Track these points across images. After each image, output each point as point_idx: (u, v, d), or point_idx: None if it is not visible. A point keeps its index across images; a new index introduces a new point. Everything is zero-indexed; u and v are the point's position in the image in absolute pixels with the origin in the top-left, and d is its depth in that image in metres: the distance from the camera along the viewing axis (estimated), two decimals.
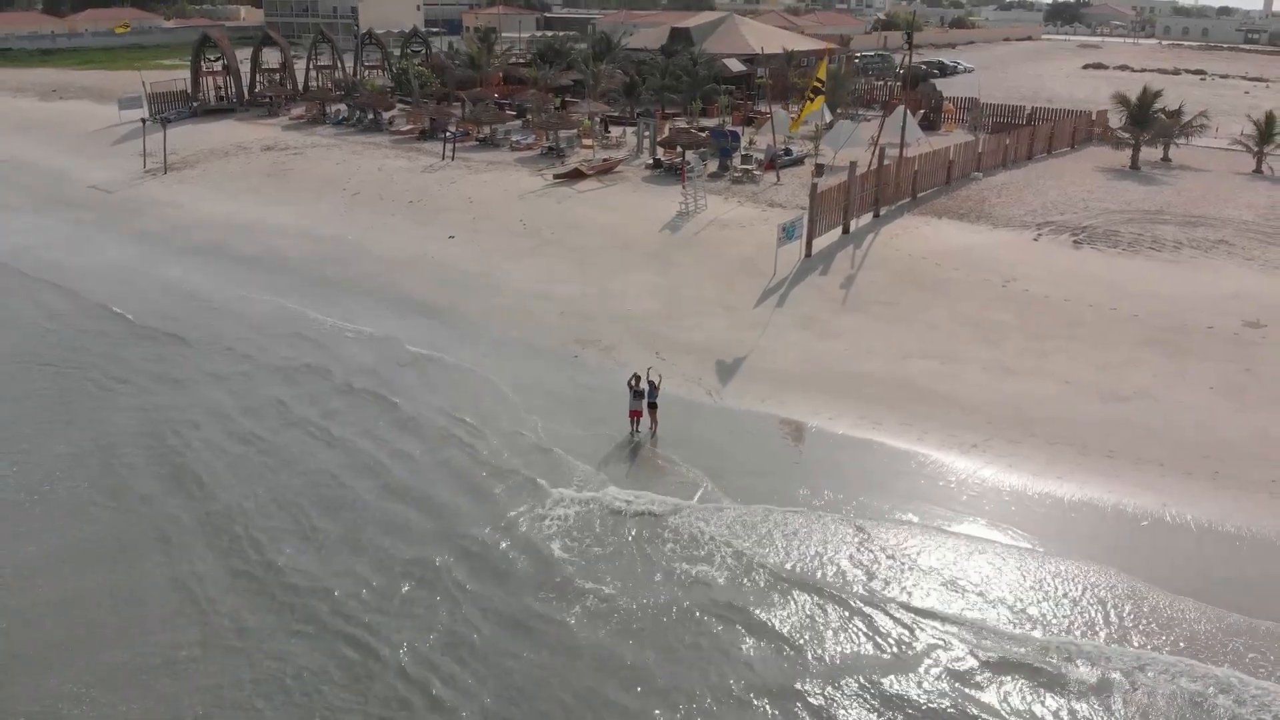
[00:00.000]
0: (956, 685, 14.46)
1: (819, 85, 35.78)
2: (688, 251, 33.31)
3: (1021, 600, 16.27)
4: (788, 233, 30.42)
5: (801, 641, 15.27)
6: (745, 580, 16.70)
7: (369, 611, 15.99)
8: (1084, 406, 22.29)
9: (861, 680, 14.51)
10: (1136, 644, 15.17)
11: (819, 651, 15.07)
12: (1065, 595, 16.36)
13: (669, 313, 28.27)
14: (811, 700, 14.18)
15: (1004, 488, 19.35)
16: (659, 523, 18.29)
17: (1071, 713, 13.95)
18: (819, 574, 16.81)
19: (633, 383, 21.07)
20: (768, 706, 14.09)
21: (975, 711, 13.98)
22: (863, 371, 24.35)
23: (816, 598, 16.23)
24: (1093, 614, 15.90)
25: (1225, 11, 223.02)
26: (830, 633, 15.44)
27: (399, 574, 16.95)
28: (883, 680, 14.52)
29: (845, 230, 34.09)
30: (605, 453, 20.85)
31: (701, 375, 24.35)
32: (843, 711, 13.97)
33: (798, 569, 16.96)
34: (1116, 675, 14.50)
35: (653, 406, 21.28)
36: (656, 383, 21.18)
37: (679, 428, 21.61)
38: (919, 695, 14.27)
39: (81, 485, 19.78)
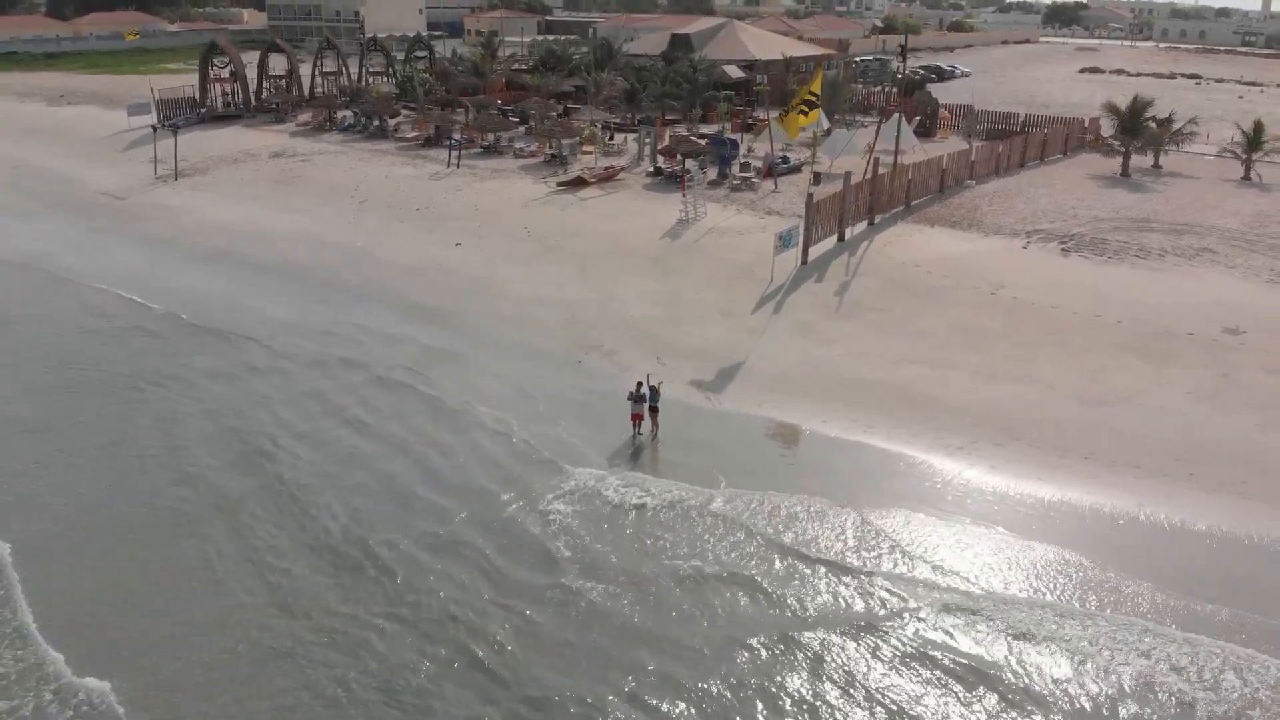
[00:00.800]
0: (936, 640, 15.98)
1: (814, 99, 36.59)
2: (688, 258, 34.31)
3: (995, 575, 17.62)
4: (784, 241, 31.39)
5: (790, 600, 16.42)
6: (740, 551, 17.97)
7: (412, 576, 17.67)
8: (1066, 411, 23.28)
9: (848, 636, 15.86)
10: (1104, 613, 16.43)
11: (811, 609, 16.31)
12: (1038, 574, 17.60)
13: (669, 318, 29.26)
14: (805, 646, 15.85)
15: (987, 488, 20.34)
16: (666, 508, 19.58)
17: (1034, 661, 15.51)
18: (806, 550, 17.98)
19: (634, 390, 22.08)
20: (765, 651, 15.82)
21: (945, 659, 15.58)
22: (856, 376, 25.33)
23: (805, 568, 17.43)
24: (1061, 587, 17.19)
25: (1223, 13, 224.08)
26: (824, 597, 16.52)
27: (440, 542, 18.62)
28: (867, 635, 16.06)
29: (841, 238, 35.09)
30: (611, 451, 21.90)
31: (701, 379, 25.32)
32: (834, 659, 15.24)
33: (785, 543, 18.40)
34: (1079, 631, 16.00)
35: (654, 410, 22.29)
36: (657, 388, 22.18)
37: (679, 430, 22.60)
38: (900, 647, 15.89)
39: (149, 469, 21.44)
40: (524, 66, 77.07)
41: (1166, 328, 27.47)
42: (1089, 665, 15.43)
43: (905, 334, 27.69)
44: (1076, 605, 16.82)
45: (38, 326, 29.68)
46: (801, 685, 15.09)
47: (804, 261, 32.87)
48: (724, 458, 21.51)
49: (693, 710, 14.65)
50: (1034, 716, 14.49)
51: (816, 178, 42.72)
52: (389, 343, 27.91)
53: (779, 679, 15.21)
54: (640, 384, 22.14)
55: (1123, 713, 14.54)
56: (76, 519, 19.52)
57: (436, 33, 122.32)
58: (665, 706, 14.69)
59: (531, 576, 17.64)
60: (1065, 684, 15.07)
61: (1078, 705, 14.68)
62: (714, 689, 15.02)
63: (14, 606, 16.68)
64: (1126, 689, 14.95)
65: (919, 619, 16.47)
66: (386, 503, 20.01)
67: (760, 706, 14.70)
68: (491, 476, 20.93)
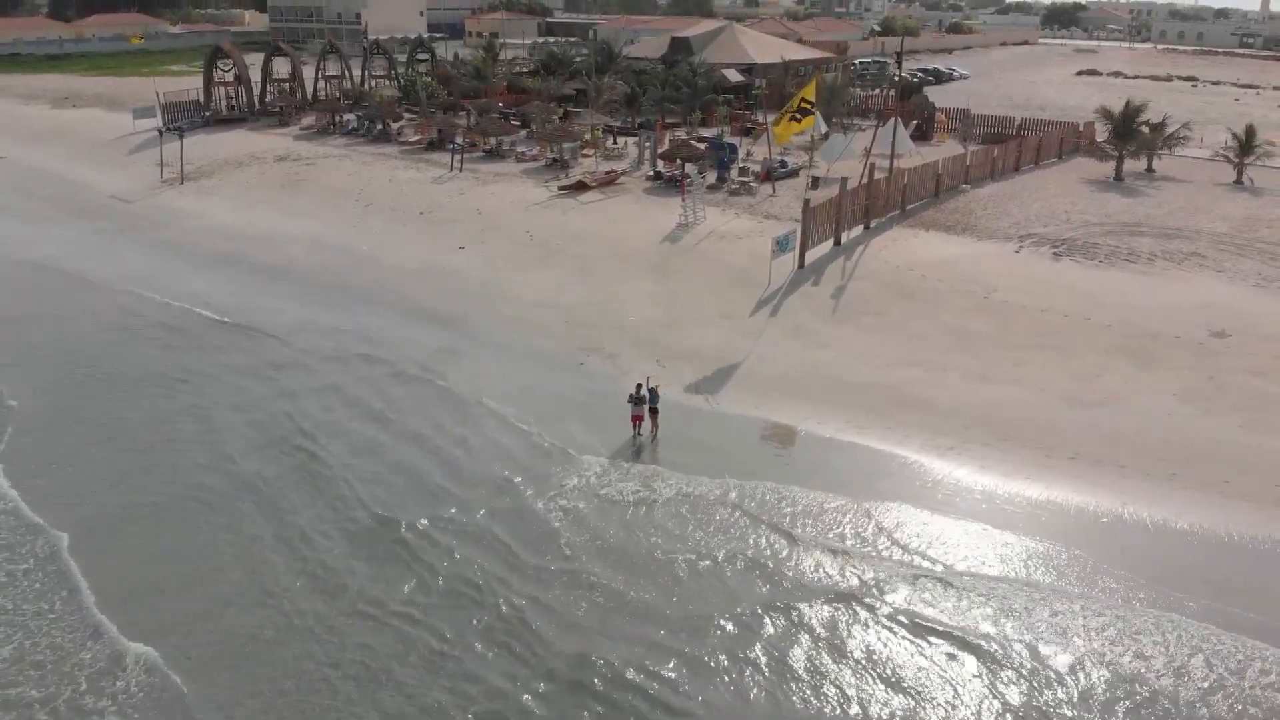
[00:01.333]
0: (921, 613, 17.19)
1: (808, 106, 37.04)
2: (687, 262, 34.96)
3: (977, 563, 18.69)
4: (781, 246, 32.03)
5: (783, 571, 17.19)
6: (741, 535, 18.72)
7: (439, 555, 18.93)
8: (1055, 412, 23.94)
9: (838, 608, 17.16)
10: (1078, 597, 17.31)
11: (803, 583, 17.22)
12: (1017, 563, 18.42)
13: (669, 321, 29.90)
14: (800, 614, 17.11)
15: (976, 486, 21.02)
16: (671, 498, 20.77)
17: (1006, 632, 16.75)
18: (799, 533, 18.81)
19: (634, 391, 22.75)
20: (765, 617, 17.13)
21: (928, 628, 16.82)
22: (850, 379, 25.98)
23: (798, 549, 18.50)
24: (1039, 576, 18.11)
25: (1221, 14, 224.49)
26: (816, 574, 17.25)
27: (463, 526, 19.91)
28: (854, 607, 17.24)
29: (837, 242, 35.73)
30: (613, 451, 22.62)
31: (699, 381, 25.97)
32: (827, 627, 16.43)
33: (782, 528, 19.44)
34: (1050, 610, 16.95)
35: (654, 411, 22.96)
36: (656, 390, 22.84)
37: (678, 431, 23.27)
38: (884, 616, 17.19)
39: (184, 458, 22.66)
40: (525, 70, 77.73)
41: (1155, 331, 28.12)
42: (1057, 638, 16.50)
43: (899, 337, 28.34)
44: (1052, 589, 17.76)
45: (66, 325, 30.80)
46: (799, 649, 16.44)
47: (801, 265, 33.51)
48: (723, 457, 22.18)
49: (705, 671, 15.89)
50: (1000, 674, 15.71)
51: (814, 182, 43.36)
52: (395, 345, 28.53)
53: (781, 643, 16.55)
54: (640, 386, 22.80)
55: (1083, 680, 15.59)
56: (121, 504, 20.76)
57: (438, 34, 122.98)
58: (679, 667, 15.99)
59: (547, 559, 18.79)
60: (1033, 653, 16.18)
61: (1042, 670, 15.82)
62: (721, 654, 16.28)
63: (72, 582, 18.08)
64: (1091, 662, 15.91)
65: (904, 595, 17.63)
66: (410, 488, 21.26)
67: (764, 664, 15.88)
68: (503, 468, 21.86)
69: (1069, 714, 14.97)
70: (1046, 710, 15.04)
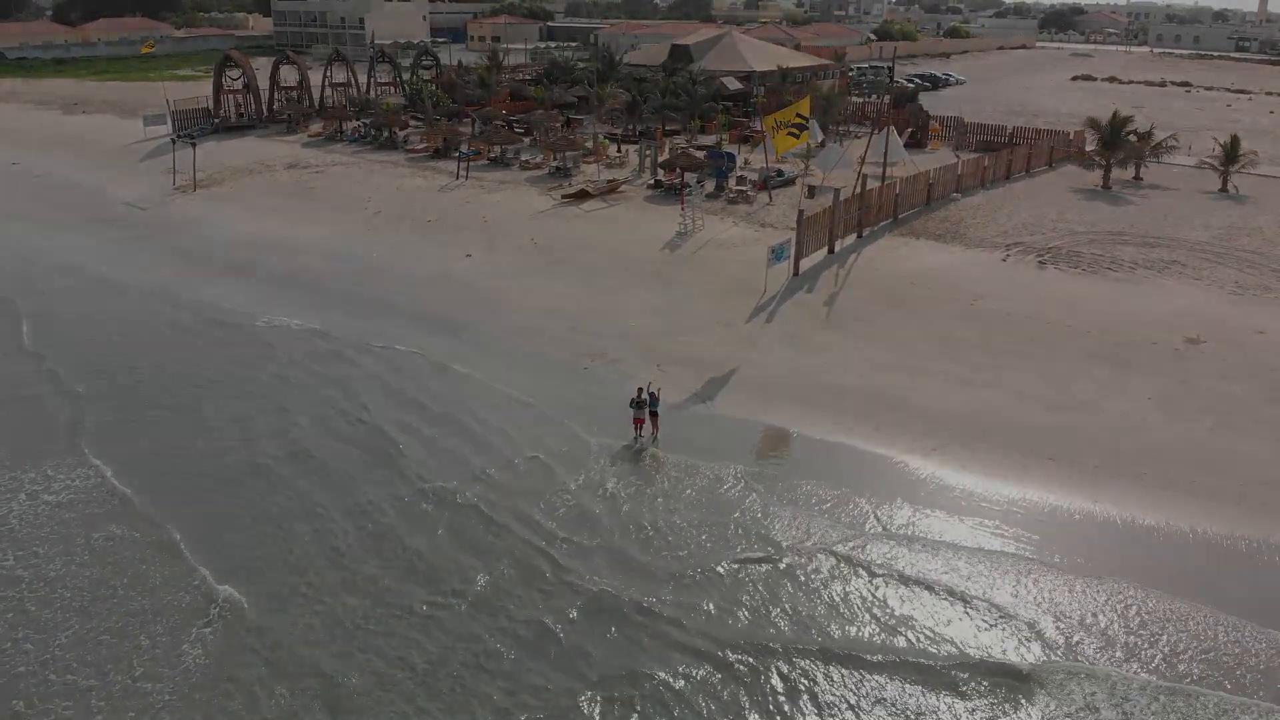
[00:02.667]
0: (909, 576, 19.42)
1: (803, 120, 38.12)
2: (686, 270, 36.29)
3: (946, 532, 20.98)
4: (776, 255, 33.37)
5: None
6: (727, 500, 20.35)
7: (481, 521, 21.20)
8: (1032, 415, 25.27)
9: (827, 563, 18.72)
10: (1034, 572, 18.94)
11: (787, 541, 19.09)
12: (990, 544, 20.18)
13: (669, 328, 31.22)
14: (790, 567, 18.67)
15: (956, 486, 22.36)
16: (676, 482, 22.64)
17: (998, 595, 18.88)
18: (791, 506, 20.22)
19: (635, 396, 24.09)
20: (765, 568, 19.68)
21: (919, 586, 19.00)
22: (840, 383, 27.31)
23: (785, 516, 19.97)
24: (1009, 554, 19.91)
25: (1220, 17, 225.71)
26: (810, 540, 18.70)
27: (504, 474, 22.90)
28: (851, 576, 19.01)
29: (830, 250, 37.06)
30: (616, 451, 24.00)
31: (698, 386, 27.28)
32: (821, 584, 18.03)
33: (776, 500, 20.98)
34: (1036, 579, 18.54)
35: (654, 415, 24.28)
36: (656, 394, 24.18)
37: (677, 433, 24.58)
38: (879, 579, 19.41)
39: (255, 440, 24.86)
40: (528, 77, 79.05)
41: (1131, 337, 29.45)
42: (1012, 592, 18.88)
43: (888, 343, 29.65)
44: (1016, 557, 19.84)
45: (106, 323, 32.53)
46: (787, 587, 18.97)
47: (795, 273, 34.84)
48: (720, 458, 23.48)
49: (707, 601, 18.43)
50: (958, 610, 18.34)
51: (810, 191, 44.66)
52: (405, 351, 29.84)
53: (771, 583, 19.15)
54: (641, 390, 24.13)
55: (1028, 617, 17.70)
56: (197, 475, 23.14)
57: (440, 39, 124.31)
58: (682, 597, 18.66)
59: (569, 527, 21.02)
60: (989, 601, 18.53)
61: (993, 608, 18.33)
62: (725, 590, 18.83)
63: (173, 540, 20.65)
64: (1044, 606, 18.08)
65: (881, 553, 20.01)
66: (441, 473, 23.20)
67: (761, 600, 18.14)
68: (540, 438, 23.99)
69: (1014, 643, 17.36)
70: (995, 641, 17.45)
